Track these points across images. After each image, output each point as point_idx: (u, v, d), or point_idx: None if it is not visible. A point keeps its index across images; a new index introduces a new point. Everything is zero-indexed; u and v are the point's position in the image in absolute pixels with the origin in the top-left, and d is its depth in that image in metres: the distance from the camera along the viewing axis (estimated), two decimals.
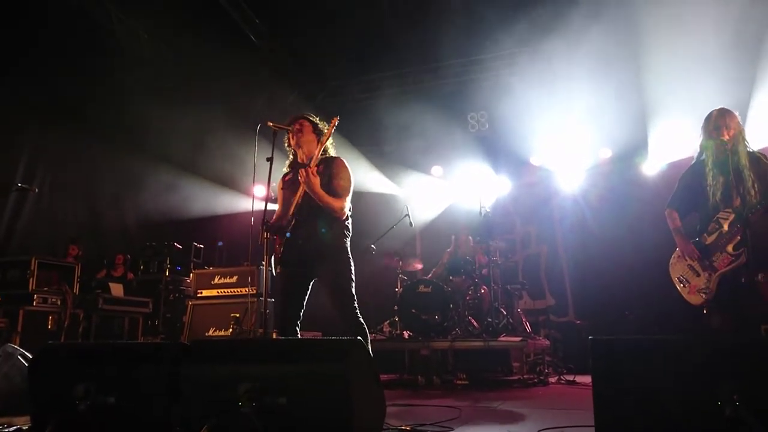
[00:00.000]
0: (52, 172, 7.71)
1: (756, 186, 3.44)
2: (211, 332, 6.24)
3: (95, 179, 8.27)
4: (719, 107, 3.68)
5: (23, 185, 6.11)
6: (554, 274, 8.53)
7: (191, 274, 7.21)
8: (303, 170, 3.54)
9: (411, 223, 7.29)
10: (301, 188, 3.65)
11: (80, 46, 6.99)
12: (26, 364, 3.58)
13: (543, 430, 2.98)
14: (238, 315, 5.85)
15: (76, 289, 6.25)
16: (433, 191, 9.28)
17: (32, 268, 5.84)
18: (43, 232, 7.51)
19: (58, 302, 6.01)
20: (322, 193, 3.55)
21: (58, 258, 6.62)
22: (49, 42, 6.72)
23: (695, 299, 3.70)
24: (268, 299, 5.45)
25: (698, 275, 3.68)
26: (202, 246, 8.46)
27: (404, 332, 6.41)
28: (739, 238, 3.44)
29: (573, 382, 5.73)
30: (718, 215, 3.57)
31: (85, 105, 7.40)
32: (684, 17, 6.30)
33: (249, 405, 2.32)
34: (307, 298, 3.68)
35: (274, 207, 3.93)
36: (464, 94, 8.71)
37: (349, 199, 3.70)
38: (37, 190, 6.72)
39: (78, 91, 7.23)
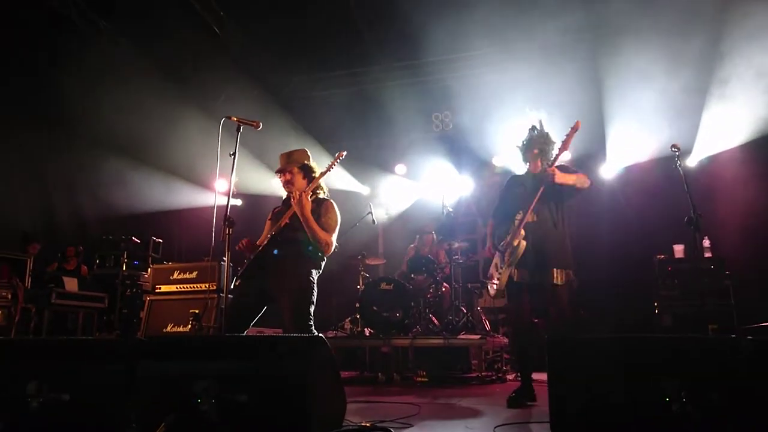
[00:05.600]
0: (1, 164, 7.43)
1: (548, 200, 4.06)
2: (169, 328, 6.12)
3: (48, 171, 8.00)
4: (546, 134, 4.26)
5: None
6: None
7: (149, 269, 7.06)
8: (298, 192, 3.60)
9: (374, 221, 7.31)
10: (289, 212, 3.68)
11: (29, 32, 6.72)
12: None
13: (500, 426, 3.04)
14: (197, 311, 5.77)
15: (28, 284, 6.06)
16: (396, 189, 9.31)
17: None
18: None
19: (9, 296, 5.82)
20: (311, 217, 3.60)
21: (9, 251, 6.39)
22: None
23: (492, 291, 4.27)
24: (229, 296, 5.39)
25: (498, 270, 4.21)
26: (161, 240, 8.29)
27: (365, 329, 6.43)
28: (522, 233, 3.98)
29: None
30: (516, 216, 4.09)
31: (35, 95, 7.14)
32: (643, 22, 6.50)
33: (208, 402, 2.30)
34: (255, 320, 3.70)
35: (236, 202, 3.91)
36: (429, 93, 8.75)
37: (335, 237, 3.74)
38: None
39: (30, 80, 6.97)
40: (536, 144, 4.22)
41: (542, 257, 3.96)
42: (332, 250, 3.71)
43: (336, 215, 3.77)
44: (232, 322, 3.65)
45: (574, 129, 3.99)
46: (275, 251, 3.66)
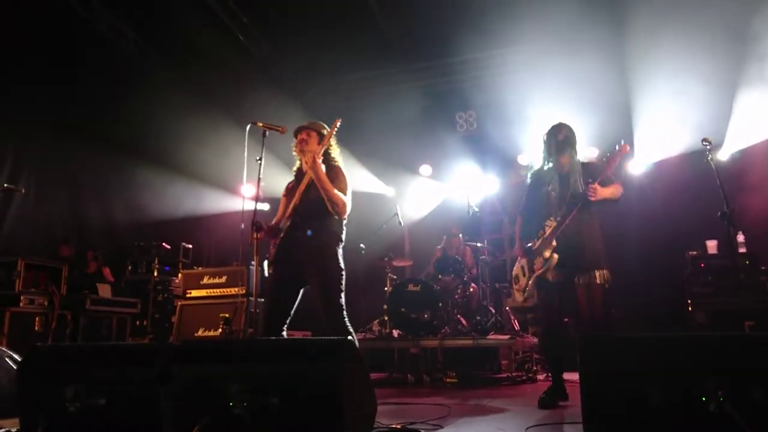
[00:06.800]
0: (37, 174, 7.65)
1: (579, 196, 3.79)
2: (200, 333, 6.21)
3: (81, 180, 8.20)
4: (559, 122, 4.07)
5: (10, 186, 6.04)
6: None
7: (180, 275, 7.17)
8: (309, 156, 3.68)
9: (400, 222, 7.31)
10: (301, 186, 3.73)
11: (62, 43, 6.90)
12: (14, 367, 3.55)
13: (531, 427, 3.01)
14: (227, 315, 5.84)
15: (64, 290, 6.20)
16: (421, 190, 9.30)
17: (19, 268, 5.79)
18: (29, 233, 7.45)
19: (45, 303, 5.97)
20: (326, 179, 3.67)
21: (44, 259, 6.56)
22: (30, 40, 6.63)
23: (519, 297, 4.10)
24: (258, 299, 5.48)
25: (524, 275, 4.02)
26: (190, 246, 8.42)
27: (393, 331, 6.43)
28: (554, 244, 3.78)
29: None
30: (546, 222, 3.89)
31: (68, 105, 7.33)
32: (671, 16, 6.37)
33: (241, 405, 2.33)
34: (296, 304, 3.74)
35: (263, 207, 3.94)
36: (452, 93, 8.73)
37: (349, 199, 3.80)
38: (23, 190, 6.65)
39: (62, 91, 7.16)
40: (568, 146, 4.01)
41: (577, 259, 3.80)
42: (348, 210, 3.79)
43: (345, 178, 3.88)
44: (273, 308, 3.69)
45: (622, 152, 3.69)
46: (308, 232, 3.71)
